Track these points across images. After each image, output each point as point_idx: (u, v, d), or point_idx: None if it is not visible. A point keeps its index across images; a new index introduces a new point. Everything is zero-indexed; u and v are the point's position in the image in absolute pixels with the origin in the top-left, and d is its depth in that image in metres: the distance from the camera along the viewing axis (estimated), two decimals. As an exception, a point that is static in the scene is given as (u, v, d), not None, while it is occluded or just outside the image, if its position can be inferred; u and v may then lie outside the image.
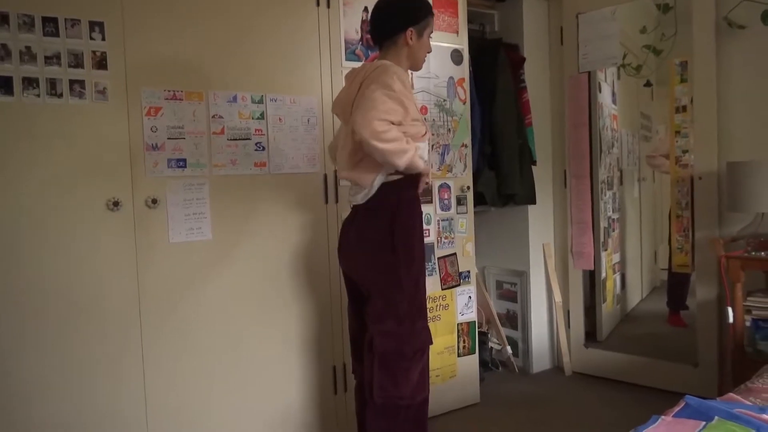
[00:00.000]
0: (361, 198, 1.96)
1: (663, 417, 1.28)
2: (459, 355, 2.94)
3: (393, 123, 1.79)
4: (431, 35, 2.07)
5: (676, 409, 1.31)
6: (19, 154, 1.91)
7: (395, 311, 1.93)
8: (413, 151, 1.85)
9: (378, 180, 1.92)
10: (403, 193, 1.96)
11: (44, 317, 1.95)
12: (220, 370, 2.28)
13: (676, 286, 3.85)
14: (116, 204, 2.06)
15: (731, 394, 1.45)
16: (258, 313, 2.36)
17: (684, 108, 2.89)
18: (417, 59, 2.06)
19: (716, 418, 1.24)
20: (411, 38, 1.98)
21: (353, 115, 1.83)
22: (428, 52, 2.09)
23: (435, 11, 2.77)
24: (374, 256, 1.94)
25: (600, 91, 3.57)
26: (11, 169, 1.89)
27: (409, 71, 2.16)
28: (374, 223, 1.93)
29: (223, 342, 2.29)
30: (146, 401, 2.13)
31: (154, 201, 2.13)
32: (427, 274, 2.75)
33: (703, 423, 1.22)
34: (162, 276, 2.16)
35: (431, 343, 2.01)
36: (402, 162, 1.82)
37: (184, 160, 2.20)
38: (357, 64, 2.54)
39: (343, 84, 2.12)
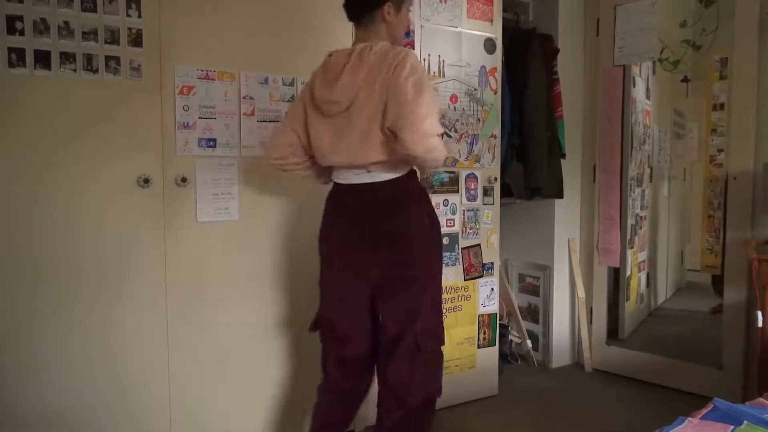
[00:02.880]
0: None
1: (689, 419, 1.26)
2: (479, 347, 2.93)
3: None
4: (410, 9, 1.96)
5: (704, 411, 1.29)
6: (55, 127, 1.93)
7: (437, 305, 1.92)
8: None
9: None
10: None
11: (72, 289, 1.99)
12: (242, 347, 2.31)
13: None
14: (147, 181, 2.08)
15: (761, 399, 1.42)
16: (280, 295, 2.38)
17: (721, 106, 2.81)
18: (396, 37, 1.91)
19: (745, 422, 1.21)
20: (389, 13, 1.84)
21: (402, 116, 1.69)
22: (407, 29, 1.99)
23: (470, -1, 2.77)
24: (418, 247, 1.84)
25: (634, 86, 3.50)
26: (47, 143, 1.92)
27: None
28: (409, 212, 1.84)
29: (245, 320, 2.31)
30: (169, 375, 2.17)
31: (184, 179, 2.15)
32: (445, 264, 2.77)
33: (732, 427, 1.20)
34: (188, 254, 2.18)
35: None
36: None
37: (215, 140, 2.21)
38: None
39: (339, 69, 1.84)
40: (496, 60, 2.89)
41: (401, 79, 1.71)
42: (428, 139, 1.70)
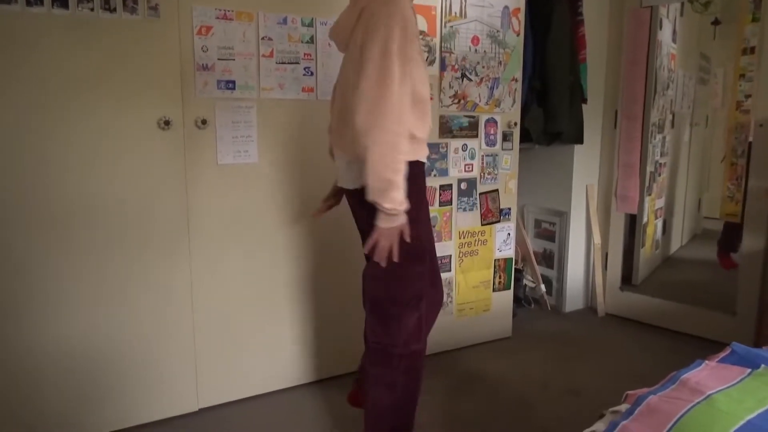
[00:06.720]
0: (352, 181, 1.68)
1: (707, 362, 1.28)
2: (494, 290, 2.97)
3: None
4: None
5: (722, 354, 1.31)
6: (74, 69, 1.92)
7: None
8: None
9: None
10: None
11: (95, 234, 2.02)
12: (262, 287, 2.36)
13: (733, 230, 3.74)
14: (167, 123, 2.08)
15: (778, 344, 1.44)
16: (298, 239, 2.41)
17: (752, 49, 2.72)
18: None
19: (762, 366, 1.24)
20: None
21: (354, 94, 1.49)
22: None
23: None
24: None
25: (660, 28, 3.39)
26: (66, 85, 1.91)
27: None
28: None
29: (265, 261, 2.35)
30: (193, 311, 2.23)
31: (204, 122, 2.14)
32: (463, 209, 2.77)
33: (749, 370, 1.22)
34: (210, 196, 2.20)
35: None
36: (388, 199, 1.47)
37: (233, 82, 2.19)
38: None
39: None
40: (520, 0, 2.80)
41: (367, 47, 1.44)
42: (360, 139, 1.39)
